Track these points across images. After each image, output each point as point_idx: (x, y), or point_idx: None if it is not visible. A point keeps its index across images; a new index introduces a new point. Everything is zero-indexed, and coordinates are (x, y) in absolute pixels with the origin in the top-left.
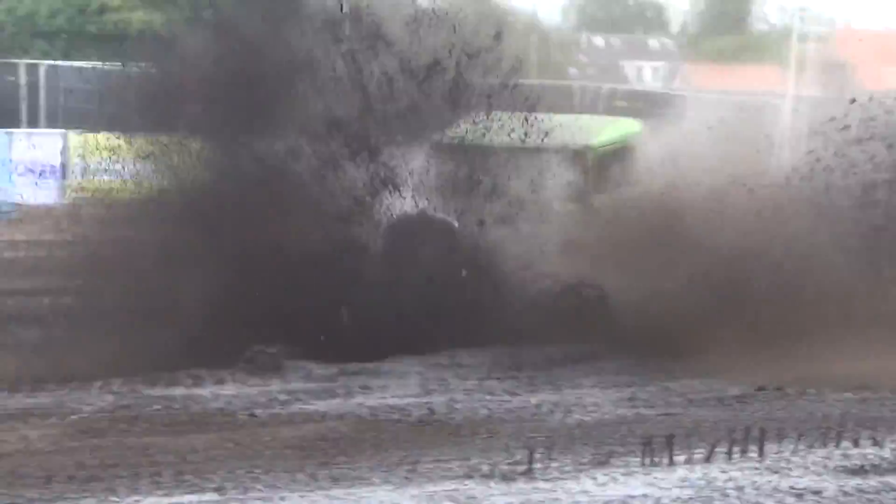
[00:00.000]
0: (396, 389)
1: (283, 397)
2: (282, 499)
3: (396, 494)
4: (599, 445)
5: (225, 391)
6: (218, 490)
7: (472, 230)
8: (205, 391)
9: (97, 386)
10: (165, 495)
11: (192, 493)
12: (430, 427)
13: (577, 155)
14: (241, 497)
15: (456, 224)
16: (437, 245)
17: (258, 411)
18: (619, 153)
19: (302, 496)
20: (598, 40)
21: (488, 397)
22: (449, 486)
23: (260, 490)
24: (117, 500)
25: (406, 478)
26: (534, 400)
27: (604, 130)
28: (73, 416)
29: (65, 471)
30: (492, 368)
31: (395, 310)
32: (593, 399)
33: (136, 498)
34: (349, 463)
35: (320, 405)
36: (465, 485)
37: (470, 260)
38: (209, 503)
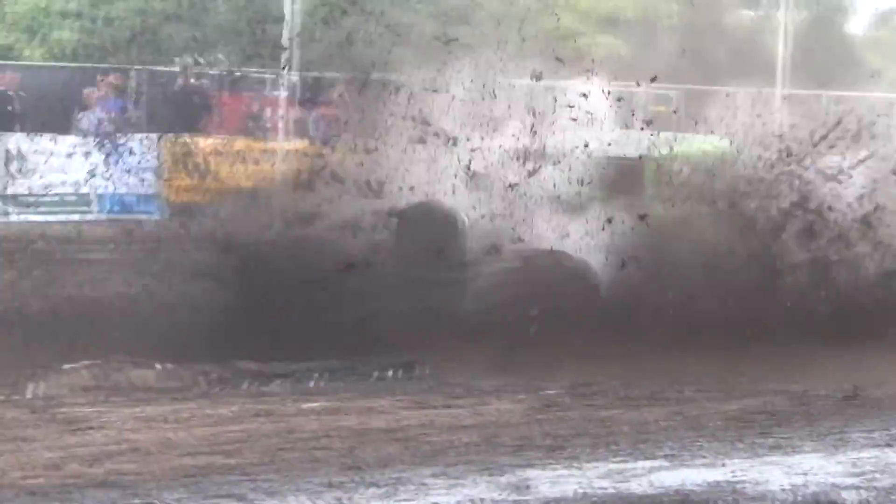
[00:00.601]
0: (823, 370)
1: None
2: (723, 465)
3: (825, 461)
4: None
5: None
6: (668, 457)
7: None
8: None
9: (562, 367)
10: (622, 461)
11: (645, 459)
12: (855, 402)
13: (632, 165)
14: (688, 462)
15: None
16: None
17: None
18: (690, 167)
19: (740, 462)
20: None
21: None
22: (871, 453)
23: (704, 457)
24: (578, 465)
25: (834, 446)
26: None
27: (676, 145)
28: (541, 393)
29: (533, 440)
30: None
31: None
32: None
33: (596, 464)
34: (784, 433)
35: (760, 382)
36: (885, 452)
37: None
38: (660, 468)
